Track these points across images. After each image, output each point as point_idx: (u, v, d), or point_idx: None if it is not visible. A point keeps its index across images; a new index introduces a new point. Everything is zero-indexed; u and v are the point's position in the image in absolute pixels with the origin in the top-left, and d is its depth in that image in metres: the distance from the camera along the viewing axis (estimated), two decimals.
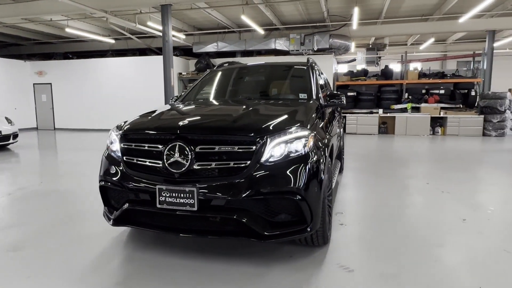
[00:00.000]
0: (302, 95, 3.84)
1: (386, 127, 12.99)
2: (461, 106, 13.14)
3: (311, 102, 3.56)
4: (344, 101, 3.88)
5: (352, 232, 3.43)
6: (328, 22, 13.30)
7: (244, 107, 3.11)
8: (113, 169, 2.85)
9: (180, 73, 14.36)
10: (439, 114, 12.60)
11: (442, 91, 13.34)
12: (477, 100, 12.90)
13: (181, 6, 10.84)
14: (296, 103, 3.54)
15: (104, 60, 15.22)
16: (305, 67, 4.27)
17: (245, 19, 11.12)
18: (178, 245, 3.12)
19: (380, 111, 13.25)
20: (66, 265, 2.81)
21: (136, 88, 14.48)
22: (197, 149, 2.54)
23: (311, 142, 2.66)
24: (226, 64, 4.81)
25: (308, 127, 2.76)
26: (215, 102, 3.88)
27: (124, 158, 2.80)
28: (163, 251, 3.01)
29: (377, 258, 2.89)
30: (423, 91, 13.59)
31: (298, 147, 2.59)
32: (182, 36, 13.63)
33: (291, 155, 2.57)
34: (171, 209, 2.55)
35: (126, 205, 2.76)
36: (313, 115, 3.10)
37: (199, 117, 2.96)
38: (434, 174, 6.10)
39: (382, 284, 2.48)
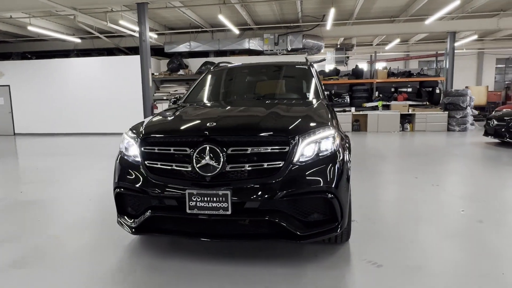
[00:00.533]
0: (309, 95, 3.88)
1: (359, 125, 13.42)
2: (427, 103, 13.87)
3: (320, 101, 3.58)
4: (348, 100, 3.97)
5: (365, 228, 3.51)
6: (301, 22, 13.52)
7: (263, 108, 3.07)
8: (132, 175, 2.71)
9: (152, 74, 13.91)
10: (408, 111, 13.22)
11: (409, 89, 14.01)
12: (441, 97, 13.71)
13: (156, 5, 10.52)
14: (308, 102, 3.56)
15: (70, 60, 14.38)
16: (306, 67, 4.31)
17: (222, 18, 11.01)
18: (198, 250, 3.03)
19: (353, 109, 13.64)
20: (85, 279, 2.63)
21: (107, 89, 13.82)
22: (229, 151, 2.48)
23: (337, 141, 2.69)
24: (223, 64, 4.73)
25: (330, 125, 2.78)
26: (227, 103, 3.80)
27: (146, 163, 2.67)
28: (185, 257, 2.91)
29: (398, 251, 2.98)
30: (392, 89, 14.20)
31: (328, 145, 2.61)
32: (153, 35, 13.23)
33: (320, 154, 2.58)
34: (202, 214, 2.47)
35: (149, 212, 2.63)
36: (329, 114, 3.13)
37: (224, 119, 2.88)
38: (418, 169, 6.38)
39: (413, 276, 2.57)
